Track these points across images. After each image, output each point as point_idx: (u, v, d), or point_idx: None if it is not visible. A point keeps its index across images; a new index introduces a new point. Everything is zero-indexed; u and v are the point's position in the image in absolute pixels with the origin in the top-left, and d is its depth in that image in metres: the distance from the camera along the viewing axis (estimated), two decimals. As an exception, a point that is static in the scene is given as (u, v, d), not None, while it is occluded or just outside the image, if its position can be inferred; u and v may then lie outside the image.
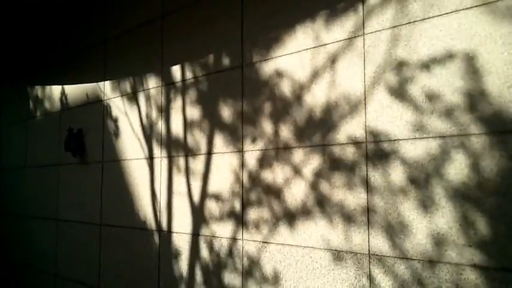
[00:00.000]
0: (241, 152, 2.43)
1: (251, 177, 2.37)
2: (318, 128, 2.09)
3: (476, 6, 1.65)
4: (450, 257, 1.66)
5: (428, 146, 1.74)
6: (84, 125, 3.70)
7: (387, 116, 1.86)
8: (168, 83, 2.93)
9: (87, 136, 3.66)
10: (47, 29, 4.40)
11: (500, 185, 1.56)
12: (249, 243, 2.35)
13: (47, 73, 4.34)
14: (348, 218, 1.95)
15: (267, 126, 2.31)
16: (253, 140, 2.37)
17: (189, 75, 2.79)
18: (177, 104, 2.85)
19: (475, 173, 1.62)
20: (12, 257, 4.67)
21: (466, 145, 1.64)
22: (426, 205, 1.73)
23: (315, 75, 2.13)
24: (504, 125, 1.56)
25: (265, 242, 2.27)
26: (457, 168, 1.66)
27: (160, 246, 2.88)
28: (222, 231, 2.49)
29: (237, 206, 2.42)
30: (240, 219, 2.40)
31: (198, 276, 2.61)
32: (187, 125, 2.76)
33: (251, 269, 2.33)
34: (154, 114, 3.01)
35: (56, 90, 4.15)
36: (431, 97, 1.74)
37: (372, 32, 1.93)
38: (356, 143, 1.95)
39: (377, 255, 1.85)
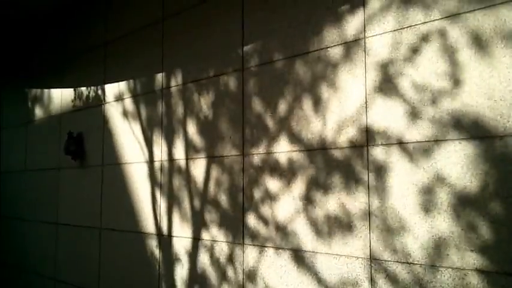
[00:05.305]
0: (241, 155, 2.42)
1: (251, 180, 2.36)
2: (320, 132, 2.09)
3: (479, 9, 1.65)
4: (452, 261, 1.65)
5: (429, 149, 1.73)
6: (84, 129, 3.70)
7: (388, 118, 1.86)
8: (168, 86, 2.93)
9: (87, 140, 3.65)
10: (47, 32, 4.40)
11: (502, 189, 1.55)
12: (249, 247, 2.34)
13: (47, 76, 4.34)
14: (349, 222, 1.94)
15: (268, 129, 2.31)
16: (254, 144, 2.37)
17: (189, 78, 2.79)
18: (177, 108, 2.85)
19: (477, 176, 1.61)
20: (12, 261, 4.65)
21: (467, 148, 1.64)
22: (428, 209, 1.72)
23: (316, 77, 2.12)
24: (506, 129, 1.56)
25: (266, 247, 2.26)
26: (459, 172, 1.65)
27: (161, 251, 2.87)
28: (223, 235, 2.48)
29: (238, 210, 2.41)
30: (240, 223, 2.39)
31: (199, 280, 2.60)
32: (187, 128, 2.76)
33: (252, 273, 2.32)
34: (154, 117, 3.01)
35: (56, 93, 4.15)
36: (433, 100, 1.73)
37: (373, 35, 1.93)
38: (357, 146, 1.94)
39: (378, 259, 1.84)
